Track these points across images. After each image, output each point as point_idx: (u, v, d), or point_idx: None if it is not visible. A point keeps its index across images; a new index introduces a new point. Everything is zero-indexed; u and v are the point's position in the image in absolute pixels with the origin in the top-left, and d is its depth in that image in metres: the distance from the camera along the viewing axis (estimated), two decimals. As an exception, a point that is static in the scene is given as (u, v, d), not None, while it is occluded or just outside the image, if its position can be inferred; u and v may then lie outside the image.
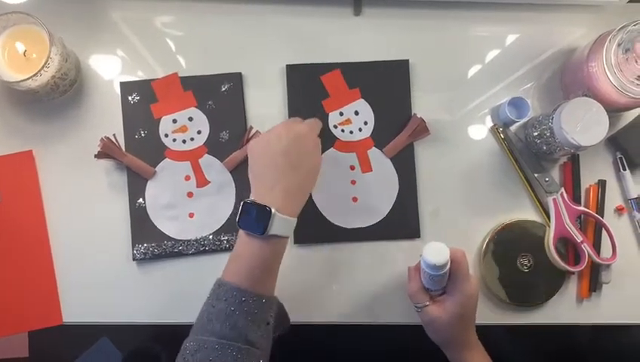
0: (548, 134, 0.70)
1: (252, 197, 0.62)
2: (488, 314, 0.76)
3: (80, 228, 0.76)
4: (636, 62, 0.66)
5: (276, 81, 0.78)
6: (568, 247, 0.76)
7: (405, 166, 0.77)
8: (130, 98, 0.76)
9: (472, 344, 0.66)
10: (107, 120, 0.76)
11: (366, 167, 0.76)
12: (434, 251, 0.59)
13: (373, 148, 0.77)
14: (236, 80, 0.77)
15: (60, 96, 0.76)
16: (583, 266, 0.73)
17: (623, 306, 0.77)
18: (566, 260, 0.75)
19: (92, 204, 0.76)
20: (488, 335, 0.69)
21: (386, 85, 0.77)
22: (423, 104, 0.78)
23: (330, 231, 0.76)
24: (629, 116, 0.77)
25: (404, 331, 0.74)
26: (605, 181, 0.77)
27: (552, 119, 0.69)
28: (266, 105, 0.77)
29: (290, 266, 0.75)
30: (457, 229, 0.77)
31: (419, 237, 0.76)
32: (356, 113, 0.77)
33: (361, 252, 0.76)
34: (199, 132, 0.76)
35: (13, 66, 0.70)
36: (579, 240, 0.74)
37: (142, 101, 0.76)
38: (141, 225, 0.75)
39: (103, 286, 0.75)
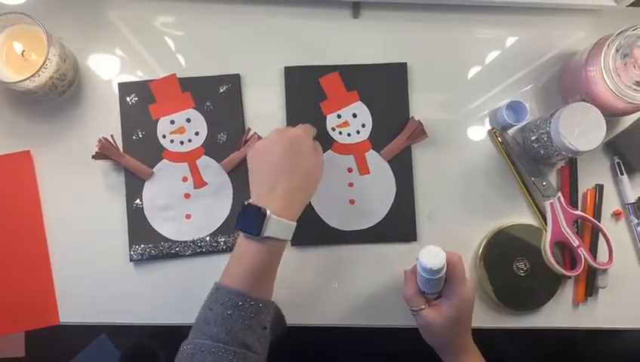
0: (545, 138, 0.70)
1: (251, 198, 0.62)
2: (484, 318, 0.76)
3: (77, 229, 0.76)
4: (634, 67, 0.66)
5: (274, 83, 0.78)
6: (565, 251, 0.76)
7: (403, 169, 0.77)
8: (128, 99, 0.76)
9: (467, 348, 0.66)
10: (105, 120, 0.76)
11: (364, 169, 0.76)
12: (430, 255, 0.59)
13: (371, 150, 0.77)
14: (234, 81, 0.77)
15: (59, 96, 0.76)
16: (580, 270, 0.73)
17: (619, 311, 0.77)
18: (562, 264, 0.75)
19: (89, 205, 0.76)
20: (484, 338, 0.69)
21: (384, 88, 0.77)
22: (421, 107, 0.78)
23: (327, 233, 0.76)
24: (627, 121, 0.77)
25: (401, 333, 0.74)
26: (603, 185, 0.77)
27: (550, 123, 0.69)
28: (264, 107, 0.77)
29: (286, 268, 0.75)
30: (454, 232, 0.77)
31: (415, 240, 0.76)
32: (354, 115, 0.77)
33: (357, 254, 0.76)
34: (197, 133, 0.76)
35: (11, 67, 0.70)
36: (575, 245, 0.74)
37: (140, 102, 0.76)
38: (138, 226, 0.75)
39: (99, 286, 0.75)
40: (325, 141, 0.76)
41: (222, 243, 0.75)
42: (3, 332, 0.75)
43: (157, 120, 0.76)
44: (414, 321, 0.68)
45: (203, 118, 0.76)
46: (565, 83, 0.77)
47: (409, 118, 0.77)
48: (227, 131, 0.76)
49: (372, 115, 0.77)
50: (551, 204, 0.75)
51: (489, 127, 0.78)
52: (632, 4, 0.75)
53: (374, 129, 0.77)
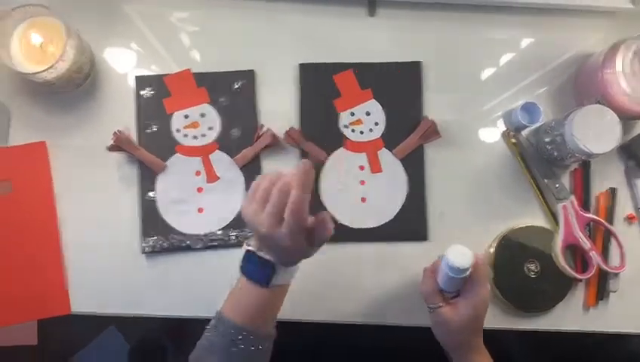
0: (559, 140, 0.70)
1: (255, 245, 0.58)
2: (493, 319, 0.76)
3: (90, 220, 0.76)
4: (651, 70, 0.66)
5: (289, 80, 0.78)
6: (576, 254, 0.76)
7: (415, 168, 0.77)
8: (143, 92, 0.77)
9: (478, 347, 0.66)
10: (120, 113, 0.77)
11: (376, 167, 0.77)
12: (459, 254, 0.59)
13: (384, 149, 0.77)
14: (249, 77, 0.77)
15: (75, 88, 0.76)
16: (591, 274, 0.73)
17: (630, 315, 0.76)
18: (574, 267, 0.74)
19: (103, 196, 0.77)
20: (493, 339, 0.69)
21: (398, 86, 0.77)
22: (435, 106, 0.77)
23: (338, 230, 0.75)
24: (643, 124, 0.77)
25: (407, 332, 0.75)
26: (616, 189, 0.77)
27: (565, 125, 0.69)
28: (278, 103, 0.78)
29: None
30: (465, 233, 0.77)
31: (426, 239, 0.76)
32: (367, 113, 0.77)
33: (367, 252, 0.76)
34: (210, 128, 0.77)
35: (29, 58, 0.70)
36: (587, 248, 0.73)
37: (155, 95, 0.77)
38: (151, 219, 0.76)
39: (111, 277, 0.76)
40: (337, 138, 0.77)
41: (233, 237, 0.76)
42: (16, 321, 0.76)
43: (171, 114, 0.77)
44: (423, 321, 0.68)
45: (217, 113, 0.77)
46: (581, 85, 0.77)
47: (422, 118, 0.76)
48: (241, 127, 0.77)
49: (385, 114, 0.77)
50: (563, 206, 0.75)
51: (503, 129, 0.78)
52: (650, 7, 0.74)
53: (387, 127, 0.77)
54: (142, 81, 0.77)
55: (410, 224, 0.76)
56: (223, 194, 0.76)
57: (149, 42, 0.79)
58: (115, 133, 0.74)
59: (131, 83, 0.78)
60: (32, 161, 0.76)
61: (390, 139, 0.77)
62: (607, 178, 0.77)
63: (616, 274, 0.75)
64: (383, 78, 0.77)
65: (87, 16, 0.78)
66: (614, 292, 0.75)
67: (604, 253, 0.76)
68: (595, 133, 0.67)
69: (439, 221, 0.77)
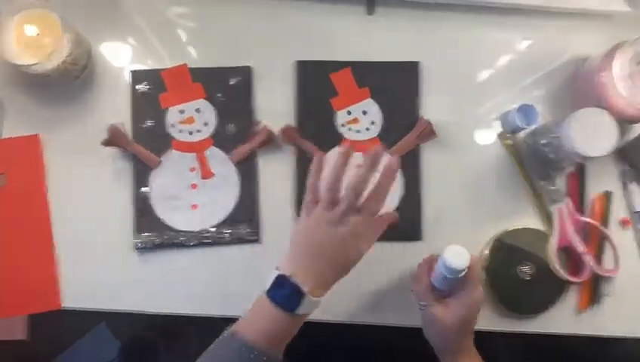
0: (556, 143, 0.70)
1: (288, 270, 0.58)
2: (485, 321, 0.75)
3: (83, 214, 0.76)
4: (648, 74, 0.66)
5: (285, 77, 0.78)
6: (570, 257, 0.76)
7: (411, 168, 0.76)
8: (139, 87, 0.76)
9: (469, 349, 0.66)
10: (115, 107, 0.76)
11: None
12: (456, 255, 0.59)
13: (380, 148, 0.77)
14: (245, 73, 0.77)
15: (71, 81, 0.76)
16: (584, 277, 0.73)
17: (623, 319, 0.76)
18: (567, 270, 0.74)
19: (96, 191, 0.76)
20: (485, 341, 0.68)
21: (396, 86, 0.77)
22: (432, 107, 0.77)
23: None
24: (638, 128, 0.77)
25: (400, 332, 0.74)
26: (611, 192, 0.77)
27: (561, 128, 0.69)
28: (275, 100, 0.77)
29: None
30: (459, 233, 0.77)
31: (420, 239, 0.76)
32: (364, 113, 0.77)
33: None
34: (206, 124, 0.76)
35: (25, 50, 0.70)
36: (581, 251, 0.73)
37: (151, 90, 0.76)
38: (144, 215, 0.75)
39: (103, 272, 0.75)
40: (334, 137, 0.76)
41: (227, 235, 0.75)
42: (6, 314, 0.75)
43: (166, 109, 0.76)
44: (414, 321, 0.68)
45: (213, 109, 0.76)
46: (578, 87, 0.77)
47: (419, 118, 0.76)
48: (236, 123, 0.76)
49: (382, 113, 0.77)
50: (559, 209, 0.75)
51: (499, 130, 0.78)
52: (647, 11, 0.74)
53: (384, 127, 0.77)
54: (138, 76, 0.77)
55: (405, 223, 0.75)
56: (218, 190, 0.76)
57: (146, 37, 0.78)
58: (109, 126, 0.74)
59: (127, 77, 0.77)
60: (25, 154, 0.76)
61: (387, 139, 0.77)
62: (603, 181, 0.77)
63: (610, 278, 0.75)
64: (380, 78, 0.77)
65: (85, 10, 0.78)
66: (608, 295, 0.75)
67: (598, 256, 0.76)
68: (592, 136, 0.67)
69: (434, 221, 0.76)
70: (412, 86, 0.77)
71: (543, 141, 0.73)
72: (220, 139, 0.76)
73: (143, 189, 0.75)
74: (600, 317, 0.76)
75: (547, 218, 0.76)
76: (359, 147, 0.77)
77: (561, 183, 0.77)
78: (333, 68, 0.77)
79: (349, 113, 0.77)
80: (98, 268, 0.75)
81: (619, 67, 0.66)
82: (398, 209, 0.76)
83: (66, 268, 0.75)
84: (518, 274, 0.75)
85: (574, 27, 0.79)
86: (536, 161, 0.76)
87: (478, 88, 0.79)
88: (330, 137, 0.76)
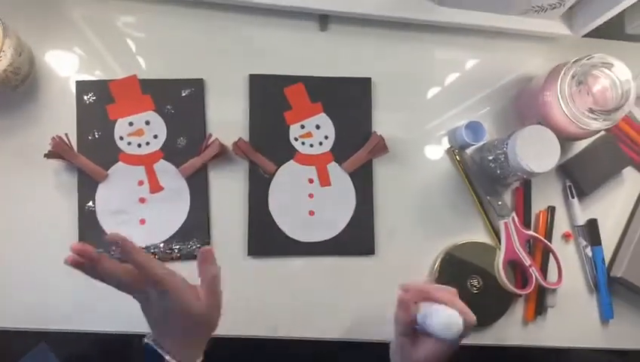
0: (502, 159, 0.72)
1: (150, 340, 0.58)
2: (437, 334, 0.76)
3: (23, 230, 0.72)
4: (588, 94, 0.69)
5: (239, 90, 0.77)
6: (517, 270, 0.78)
7: (363, 182, 0.77)
8: (85, 97, 0.74)
9: None
10: (60, 118, 0.74)
11: (325, 181, 0.76)
12: (446, 322, 0.52)
13: (333, 162, 0.77)
14: (198, 86, 0.76)
15: (12, 90, 0.73)
16: (530, 289, 0.75)
17: (566, 330, 0.79)
18: (514, 283, 0.76)
19: (39, 205, 0.73)
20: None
21: (348, 101, 0.78)
22: (383, 122, 0.78)
23: (286, 243, 0.75)
24: (580, 146, 0.80)
25: (354, 345, 0.74)
26: (555, 207, 0.79)
27: (507, 144, 0.71)
28: (227, 114, 0.76)
29: (243, 278, 0.74)
30: (411, 247, 0.77)
31: (373, 253, 0.76)
32: (317, 127, 0.77)
33: (315, 266, 0.76)
34: (156, 136, 0.75)
35: (-39, 56, 0.66)
36: (527, 264, 0.76)
37: (98, 101, 0.74)
38: (89, 230, 0.72)
39: (43, 290, 0.72)
40: (287, 151, 0.76)
41: (176, 250, 0.74)
42: None
43: (114, 121, 0.74)
44: (370, 336, 0.68)
45: (163, 121, 0.75)
46: (522, 106, 0.79)
47: (371, 133, 0.77)
48: (187, 136, 0.75)
49: (335, 128, 0.77)
50: (505, 223, 0.77)
51: (448, 146, 0.80)
52: (586, 35, 0.78)
53: (337, 141, 0.77)
54: (84, 86, 0.74)
55: (357, 238, 0.76)
56: (167, 205, 0.74)
57: (93, 46, 0.76)
58: (53, 138, 0.71)
59: (73, 87, 0.74)
60: (-40, 166, 0.72)
61: (339, 153, 0.77)
62: (547, 197, 0.80)
63: (554, 290, 0.78)
64: (333, 93, 0.78)
65: (29, 17, 0.75)
66: (552, 307, 0.78)
67: (543, 269, 0.78)
68: (536, 152, 0.69)
69: (386, 235, 0.77)
70: (364, 102, 0.78)
71: (490, 157, 0.75)
72: (170, 152, 0.75)
73: (89, 203, 0.73)
74: (545, 328, 0.79)
75: (494, 232, 0.78)
76: (312, 160, 0.77)
77: (507, 198, 0.79)
78: (286, 82, 0.77)
79: (303, 127, 0.77)
80: (38, 285, 0.72)
81: (560, 87, 0.69)
82: (350, 223, 0.76)
83: (6, 286, 0.72)
84: (467, 287, 0.76)
85: (519, 48, 0.82)
86: (483, 177, 0.78)
87: (427, 104, 0.80)
88: (283, 151, 0.76)
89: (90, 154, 0.73)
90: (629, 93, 0.68)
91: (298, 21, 0.79)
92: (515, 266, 0.78)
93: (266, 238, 0.74)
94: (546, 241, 0.77)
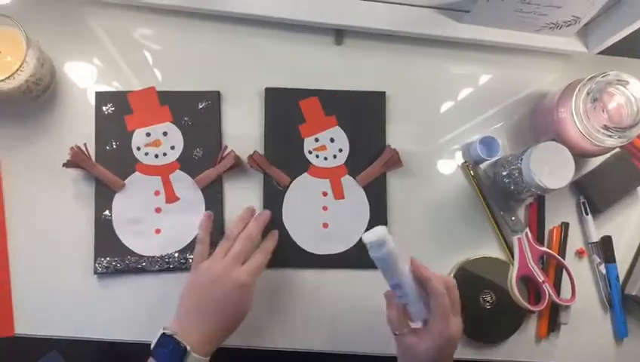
0: (516, 174, 0.72)
1: (173, 329, 0.61)
2: (449, 349, 0.76)
3: (41, 238, 0.73)
4: (603, 111, 0.69)
5: (254, 103, 0.78)
6: (530, 286, 0.78)
7: (377, 195, 0.77)
8: (104, 108, 0.75)
9: None
10: (79, 128, 0.75)
11: (338, 194, 0.77)
12: (371, 232, 0.58)
13: (347, 175, 0.77)
14: (214, 98, 0.77)
15: (33, 101, 0.74)
16: (544, 306, 0.75)
17: (578, 348, 0.78)
18: (527, 299, 0.76)
19: (56, 214, 0.74)
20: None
21: (363, 115, 0.78)
22: (398, 136, 0.79)
23: (299, 256, 0.75)
24: (594, 162, 0.80)
25: (367, 359, 0.74)
26: (568, 224, 0.79)
27: (521, 160, 0.71)
28: (243, 126, 0.77)
29: (255, 289, 0.74)
30: (424, 261, 0.75)
31: (386, 267, 0.76)
32: (332, 140, 0.78)
33: (328, 279, 0.76)
34: (173, 147, 0.76)
35: (-15, 67, 0.68)
36: (540, 280, 0.75)
37: (116, 112, 0.75)
38: (105, 239, 0.73)
39: (60, 298, 0.73)
40: (302, 163, 0.77)
41: (191, 260, 0.74)
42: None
43: (132, 131, 0.75)
44: (381, 349, 0.68)
45: (180, 133, 0.76)
46: (537, 122, 0.79)
47: (385, 146, 0.77)
48: (203, 147, 0.76)
49: (349, 141, 0.78)
50: (519, 238, 0.77)
51: (462, 160, 0.80)
52: (601, 52, 0.78)
53: (351, 154, 0.78)
54: (102, 97, 0.76)
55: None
56: (182, 215, 0.75)
57: (112, 58, 0.77)
58: (72, 148, 0.72)
59: (92, 98, 0.76)
60: (-19, 174, 0.73)
61: (353, 166, 0.77)
62: (561, 213, 0.80)
63: (567, 307, 0.77)
64: (347, 106, 0.78)
65: (51, 28, 0.76)
66: (565, 324, 0.77)
67: (556, 285, 0.78)
68: (550, 168, 0.69)
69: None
70: (379, 115, 0.79)
71: (504, 172, 0.75)
72: (187, 163, 0.75)
73: (105, 212, 0.74)
74: (558, 345, 0.78)
75: (508, 247, 0.78)
76: (326, 173, 0.77)
77: (521, 214, 0.79)
78: (301, 95, 0.78)
79: (317, 140, 0.78)
80: (56, 293, 0.73)
81: (575, 104, 0.69)
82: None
83: (21, 293, 0.72)
84: (479, 302, 0.76)
85: (534, 64, 0.83)
86: (497, 192, 0.78)
87: (442, 119, 0.81)
88: (297, 164, 0.77)
89: (108, 164, 0.74)
90: (644, 111, 0.69)
91: (314, 35, 0.80)
92: (528, 282, 0.77)
93: (280, 250, 0.74)
94: (559, 258, 0.77)
